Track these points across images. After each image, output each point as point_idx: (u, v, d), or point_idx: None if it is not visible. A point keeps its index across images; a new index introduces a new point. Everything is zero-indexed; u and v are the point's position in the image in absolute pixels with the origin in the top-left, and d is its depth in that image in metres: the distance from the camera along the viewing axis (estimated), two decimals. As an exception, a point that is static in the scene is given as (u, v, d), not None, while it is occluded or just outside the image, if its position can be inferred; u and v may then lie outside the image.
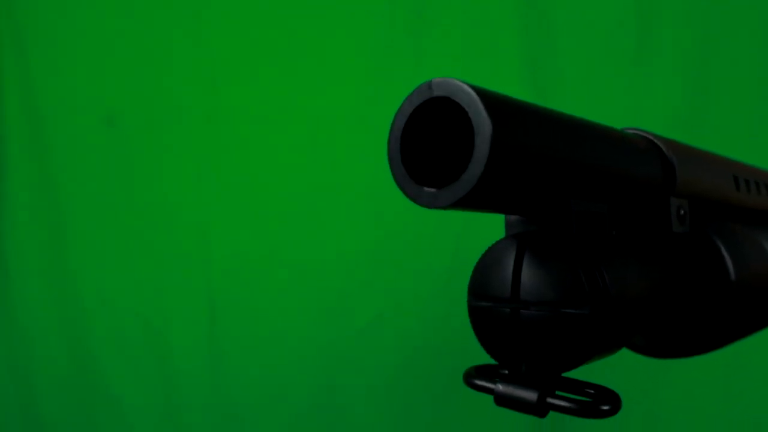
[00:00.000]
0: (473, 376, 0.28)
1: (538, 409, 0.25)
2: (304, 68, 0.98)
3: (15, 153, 1.05)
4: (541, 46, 0.93)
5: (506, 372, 0.27)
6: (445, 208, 0.22)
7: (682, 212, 0.31)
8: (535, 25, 0.93)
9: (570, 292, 0.25)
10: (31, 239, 1.05)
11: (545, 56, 0.92)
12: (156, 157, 1.03)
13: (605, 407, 0.25)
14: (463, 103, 0.21)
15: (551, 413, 0.25)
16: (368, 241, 0.97)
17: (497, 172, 0.21)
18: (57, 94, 1.04)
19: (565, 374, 0.26)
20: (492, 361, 0.28)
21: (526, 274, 0.26)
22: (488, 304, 0.27)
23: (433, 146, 0.24)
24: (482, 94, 0.21)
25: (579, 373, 0.27)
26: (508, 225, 0.30)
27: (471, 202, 0.22)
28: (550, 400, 0.25)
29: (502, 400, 0.26)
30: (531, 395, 0.25)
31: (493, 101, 0.21)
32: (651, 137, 0.31)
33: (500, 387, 0.26)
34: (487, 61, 0.93)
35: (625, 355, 0.30)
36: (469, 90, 0.21)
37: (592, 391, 0.26)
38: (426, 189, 0.22)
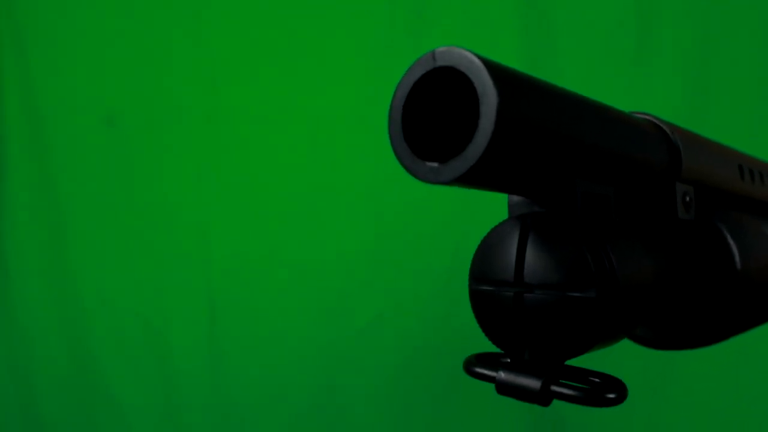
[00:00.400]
0: (474, 363, 0.27)
1: (542, 398, 0.24)
2: (304, 68, 0.98)
3: (15, 153, 1.05)
4: (541, 46, 0.93)
5: (508, 360, 0.26)
6: (447, 183, 0.21)
7: (687, 199, 0.30)
8: (535, 25, 0.93)
9: (576, 274, 0.24)
10: (31, 239, 1.05)
11: (545, 56, 0.92)
12: (156, 157, 1.03)
13: (611, 395, 0.24)
14: (469, 73, 0.20)
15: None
16: (368, 241, 0.97)
17: (503, 145, 0.20)
18: (57, 94, 1.04)
19: (568, 363, 0.26)
20: (493, 349, 0.27)
21: (530, 256, 0.25)
22: (490, 288, 0.26)
23: (435, 119, 0.23)
24: (488, 63, 0.20)
25: (580, 363, 0.26)
26: (511, 206, 0.29)
27: (474, 177, 0.21)
28: (553, 388, 0.24)
29: (503, 388, 0.25)
30: (534, 383, 0.24)
31: (499, 71, 0.20)
32: (657, 121, 0.30)
33: (502, 375, 0.25)
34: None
35: (627, 347, 0.30)
36: (475, 59, 0.20)
37: (597, 380, 0.25)
38: (428, 164, 0.21)
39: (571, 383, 0.24)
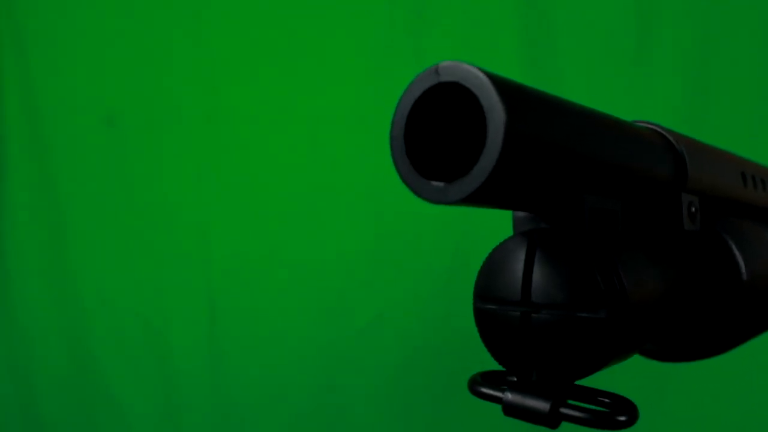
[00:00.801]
0: (479, 383, 0.26)
1: (551, 420, 0.24)
2: (304, 68, 0.98)
3: (15, 153, 1.05)
4: (541, 46, 0.93)
5: (514, 379, 0.26)
6: (454, 203, 0.20)
7: (693, 209, 0.30)
8: (535, 25, 0.93)
9: (585, 294, 0.23)
10: (31, 239, 1.05)
11: (545, 56, 0.92)
12: (156, 157, 1.03)
13: (622, 418, 0.23)
14: (474, 89, 0.19)
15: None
16: (368, 241, 0.97)
17: (511, 163, 0.19)
18: (57, 94, 1.04)
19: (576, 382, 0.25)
20: (498, 367, 0.27)
21: (538, 274, 0.24)
22: (496, 307, 0.25)
23: (439, 137, 0.22)
24: (494, 79, 0.20)
25: (585, 380, 0.26)
26: (516, 222, 0.28)
27: (482, 196, 0.20)
28: (563, 410, 0.23)
29: (510, 409, 0.25)
30: (543, 405, 0.24)
31: (506, 87, 0.20)
32: (661, 131, 0.29)
33: (509, 396, 0.25)
34: (487, 61, 0.93)
35: (629, 360, 0.30)
36: (481, 74, 0.19)
37: (607, 401, 0.25)
38: (433, 183, 0.20)
39: (580, 404, 0.24)
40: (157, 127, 1.02)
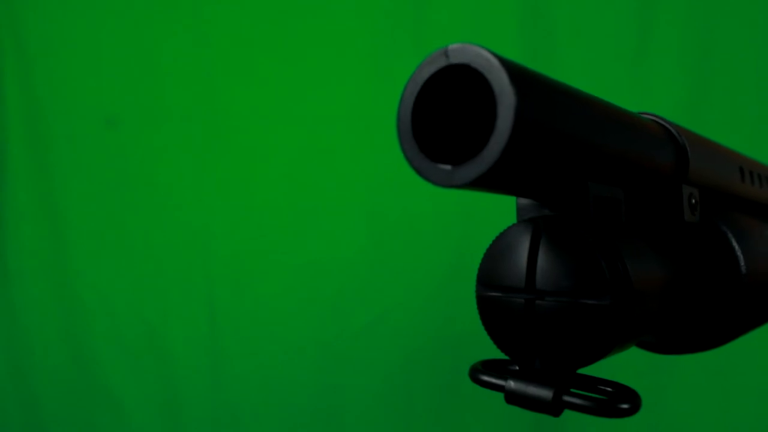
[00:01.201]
0: (480, 371, 0.26)
1: (553, 408, 0.24)
2: (303, 68, 0.98)
3: (15, 153, 1.05)
4: (541, 46, 0.93)
5: (516, 368, 0.26)
6: (460, 187, 0.20)
7: (693, 201, 0.30)
8: (535, 25, 0.93)
9: (590, 281, 0.23)
10: (31, 239, 1.05)
11: (545, 56, 0.92)
12: (155, 158, 1.03)
13: (624, 406, 0.23)
14: (485, 72, 0.19)
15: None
16: (368, 241, 0.97)
17: (519, 147, 0.19)
18: (57, 95, 1.04)
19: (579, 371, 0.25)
20: (500, 356, 0.27)
21: (542, 261, 0.24)
22: (500, 294, 0.25)
23: (447, 119, 0.22)
24: (505, 62, 0.19)
25: (587, 369, 0.26)
26: (520, 209, 0.28)
27: (489, 181, 0.20)
28: (565, 398, 0.23)
29: (513, 397, 0.24)
30: (546, 393, 0.24)
31: (517, 71, 0.19)
32: (663, 122, 0.30)
33: (511, 384, 0.24)
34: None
35: (628, 352, 0.30)
36: (491, 57, 0.19)
37: (610, 389, 0.25)
38: (440, 166, 0.20)
39: (582, 393, 0.24)
40: (156, 128, 1.02)
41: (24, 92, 1.05)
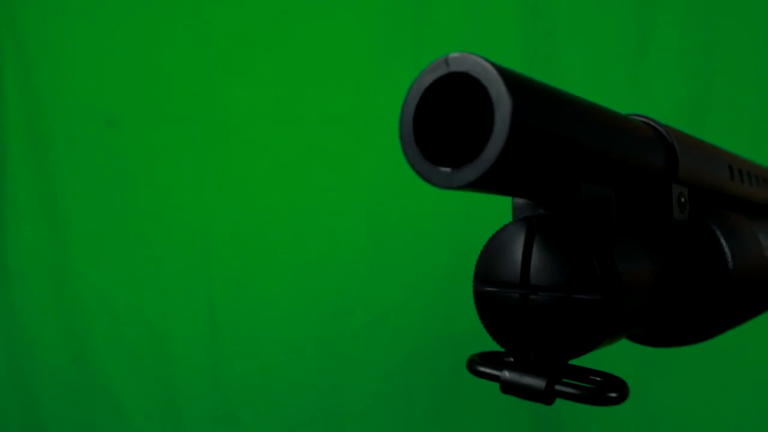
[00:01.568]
0: (477, 363, 0.27)
1: (546, 397, 0.25)
2: (303, 68, 0.98)
3: (15, 153, 1.05)
4: (541, 46, 0.93)
5: (511, 360, 0.27)
6: (460, 188, 0.21)
7: (682, 200, 0.31)
8: (535, 25, 0.93)
9: (582, 277, 0.24)
10: (31, 239, 1.05)
11: (545, 56, 0.92)
12: (156, 158, 1.03)
13: (613, 394, 0.24)
14: (482, 79, 0.20)
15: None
16: (368, 242, 0.97)
17: (515, 151, 0.20)
18: (57, 95, 1.04)
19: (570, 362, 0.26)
20: (495, 348, 0.28)
21: (536, 258, 0.25)
22: (496, 290, 0.26)
23: (446, 124, 0.23)
24: (502, 70, 0.21)
25: (578, 361, 0.27)
26: (515, 208, 0.29)
27: (486, 182, 0.21)
28: (557, 387, 0.25)
29: (508, 387, 0.26)
30: (539, 383, 0.25)
31: (513, 78, 0.21)
32: (653, 123, 0.31)
33: (507, 374, 0.26)
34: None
35: (621, 345, 0.31)
36: (489, 65, 0.20)
37: (599, 379, 0.26)
38: (440, 168, 0.21)
39: (574, 383, 0.25)
40: (156, 128, 1.02)
41: (24, 92, 1.05)
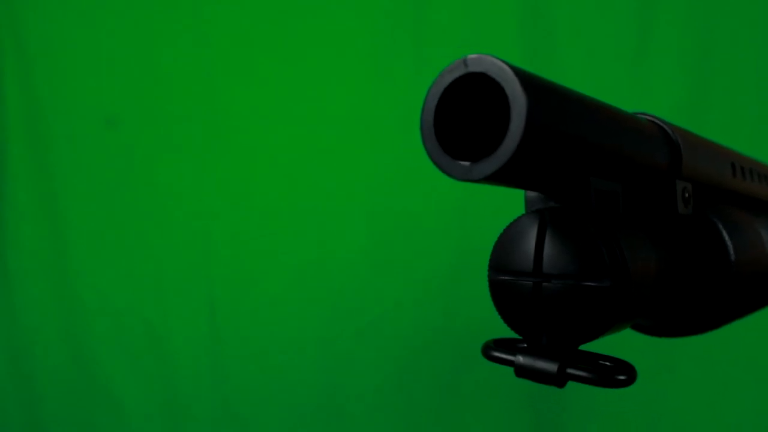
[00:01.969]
0: (492, 348, 0.29)
1: (558, 380, 0.26)
2: (303, 68, 0.99)
3: (15, 153, 1.05)
4: (541, 46, 0.93)
5: (524, 345, 0.28)
6: (478, 181, 0.23)
7: (686, 195, 0.32)
8: (535, 25, 0.93)
9: (591, 265, 0.25)
10: (31, 239, 1.06)
11: (545, 56, 0.92)
12: (156, 158, 1.03)
13: (621, 377, 0.26)
14: (499, 79, 0.22)
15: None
16: (368, 242, 0.97)
17: (530, 146, 0.22)
18: (57, 95, 1.05)
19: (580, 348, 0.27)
20: (510, 334, 0.29)
21: (549, 248, 0.27)
22: (510, 278, 0.28)
23: (465, 121, 0.24)
24: (517, 71, 0.22)
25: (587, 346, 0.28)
26: (528, 201, 0.31)
27: (502, 176, 0.22)
28: (569, 370, 0.26)
29: (522, 371, 0.27)
30: (551, 366, 0.26)
31: (527, 78, 0.22)
32: (658, 121, 0.32)
33: (520, 359, 0.27)
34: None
35: (625, 336, 0.32)
36: (505, 66, 0.22)
37: (608, 363, 0.27)
38: (460, 162, 0.23)
39: (584, 366, 0.26)
40: (156, 128, 1.02)
41: (24, 92, 1.05)
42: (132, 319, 1.03)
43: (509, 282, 0.28)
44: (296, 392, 0.99)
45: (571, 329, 0.26)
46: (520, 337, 0.28)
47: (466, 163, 0.22)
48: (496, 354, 0.28)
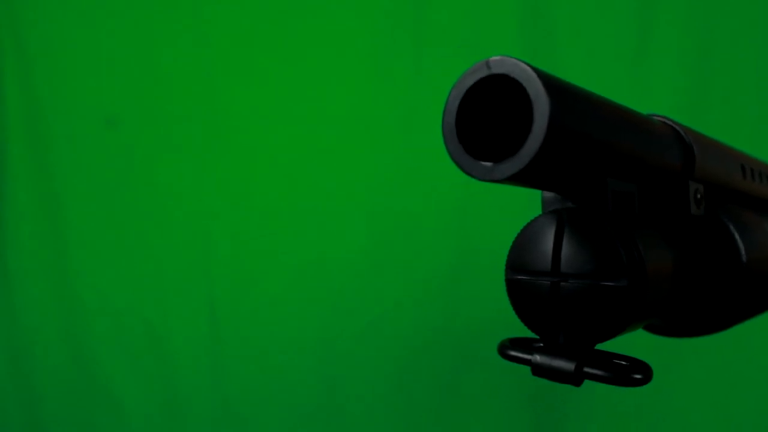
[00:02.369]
0: (508, 347, 0.29)
1: (575, 378, 0.26)
2: (303, 68, 0.98)
3: (15, 153, 1.05)
4: (541, 46, 0.93)
5: (540, 344, 0.28)
6: (500, 181, 0.23)
7: (698, 196, 0.32)
8: (535, 25, 0.93)
9: (609, 265, 0.26)
10: (31, 239, 1.05)
11: (545, 56, 0.92)
12: (156, 158, 1.03)
13: (638, 376, 0.26)
14: (522, 81, 0.22)
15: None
16: (368, 241, 0.97)
17: (552, 147, 0.22)
18: (57, 95, 1.04)
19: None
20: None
21: (566, 247, 0.27)
22: (528, 278, 0.28)
23: (486, 122, 0.25)
24: (539, 72, 0.22)
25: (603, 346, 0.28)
26: (545, 202, 0.31)
27: (524, 176, 0.23)
28: (586, 369, 0.26)
29: (539, 370, 0.27)
30: (568, 365, 0.26)
31: (550, 80, 0.22)
32: (672, 123, 0.32)
33: (537, 358, 0.27)
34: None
35: (635, 336, 0.32)
36: (528, 68, 0.22)
37: (624, 363, 0.27)
38: (482, 163, 0.23)
39: (601, 365, 0.26)
40: (156, 128, 1.02)
41: (24, 92, 1.05)
42: (132, 319, 1.03)
43: (527, 281, 0.28)
44: (296, 392, 0.99)
45: (588, 328, 0.26)
46: (535, 336, 0.28)
47: (488, 164, 0.23)
48: (513, 353, 0.28)
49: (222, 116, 1.00)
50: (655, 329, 0.37)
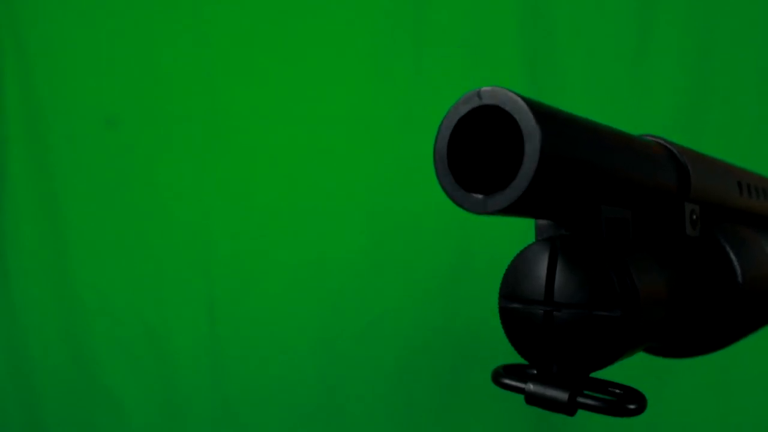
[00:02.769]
0: (502, 375, 0.29)
1: (569, 408, 0.26)
2: (303, 68, 0.98)
3: (15, 153, 1.05)
4: (541, 46, 0.93)
5: (534, 372, 0.28)
6: (492, 214, 0.23)
7: (694, 217, 0.32)
8: (535, 25, 0.93)
9: (602, 295, 0.26)
10: (31, 239, 1.05)
11: (545, 56, 0.92)
12: (156, 158, 1.03)
13: (632, 406, 0.26)
14: (513, 112, 0.22)
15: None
16: (368, 242, 0.97)
17: (544, 179, 0.22)
18: (57, 95, 1.04)
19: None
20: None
21: (560, 276, 0.27)
22: (521, 306, 0.28)
23: (478, 152, 0.25)
24: (531, 103, 0.22)
25: (598, 373, 0.28)
26: (539, 229, 0.31)
27: (517, 208, 0.22)
28: (579, 399, 0.26)
29: (532, 399, 0.27)
30: (562, 395, 0.26)
31: (541, 110, 0.22)
32: (666, 144, 0.32)
33: (531, 387, 0.27)
34: (487, 61, 0.94)
35: (634, 356, 0.32)
36: (519, 99, 0.22)
37: (619, 391, 0.27)
38: (474, 195, 0.23)
39: (595, 395, 0.26)
40: (157, 128, 1.02)
41: (24, 92, 1.04)
42: (132, 319, 1.03)
43: (520, 310, 0.28)
44: (296, 392, 0.99)
45: (582, 358, 0.26)
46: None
47: (480, 196, 0.22)
48: (507, 381, 0.28)
49: (222, 116, 1.00)
50: (653, 350, 0.36)
